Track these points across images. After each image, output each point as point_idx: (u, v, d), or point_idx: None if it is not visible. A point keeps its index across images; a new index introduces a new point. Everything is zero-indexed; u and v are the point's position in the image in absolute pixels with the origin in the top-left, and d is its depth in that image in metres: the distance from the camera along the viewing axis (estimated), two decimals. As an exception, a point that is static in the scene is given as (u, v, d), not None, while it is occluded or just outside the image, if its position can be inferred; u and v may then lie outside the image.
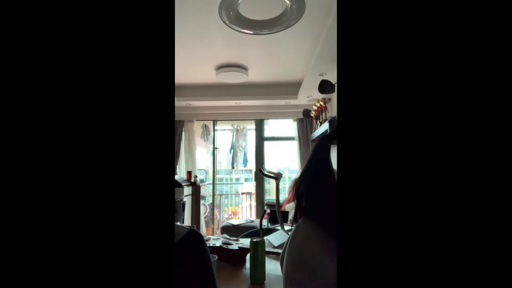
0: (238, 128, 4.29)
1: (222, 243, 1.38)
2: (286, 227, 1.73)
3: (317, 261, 0.51)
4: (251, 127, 4.30)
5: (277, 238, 1.55)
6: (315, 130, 3.35)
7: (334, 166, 0.57)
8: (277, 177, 1.81)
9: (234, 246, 1.35)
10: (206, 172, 5.00)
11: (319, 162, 0.58)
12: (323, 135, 0.60)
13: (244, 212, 5.12)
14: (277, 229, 1.74)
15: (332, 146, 0.58)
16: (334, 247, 0.49)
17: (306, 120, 3.76)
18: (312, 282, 0.50)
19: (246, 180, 6.61)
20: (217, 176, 5.28)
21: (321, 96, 3.05)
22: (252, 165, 4.43)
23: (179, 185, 3.26)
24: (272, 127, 4.48)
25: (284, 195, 4.45)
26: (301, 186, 0.58)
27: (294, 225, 0.59)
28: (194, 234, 0.63)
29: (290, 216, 1.93)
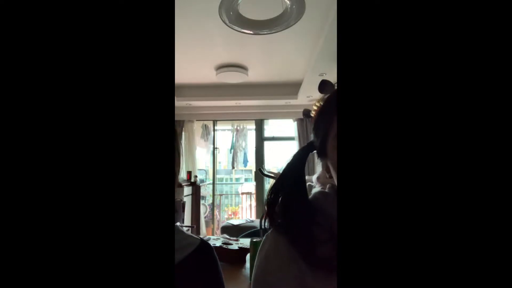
0: (238, 128, 4.29)
1: (222, 243, 1.38)
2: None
3: (276, 277, 0.49)
4: (251, 127, 4.30)
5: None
6: (315, 130, 3.35)
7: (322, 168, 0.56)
8: (277, 177, 1.81)
9: (234, 246, 1.35)
10: (206, 172, 5.00)
11: (293, 175, 0.56)
12: (302, 147, 0.59)
13: (244, 212, 5.12)
14: (277, 229, 1.74)
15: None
16: (296, 263, 0.48)
17: (306, 120, 3.76)
18: None
19: (246, 180, 6.61)
20: (217, 176, 5.28)
21: (321, 96, 3.05)
22: (252, 165, 4.43)
23: (179, 185, 3.26)
24: (272, 127, 4.48)
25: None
26: (272, 196, 0.56)
27: (264, 236, 0.57)
28: (205, 247, 0.60)
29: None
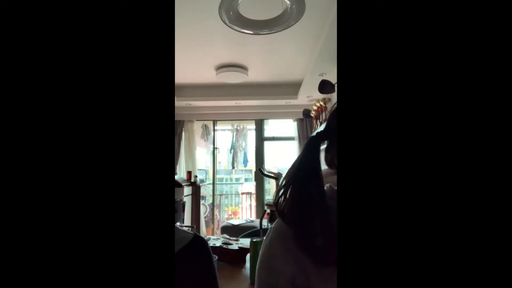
0: (238, 128, 4.29)
1: (222, 243, 1.38)
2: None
3: (280, 260, 0.52)
4: (251, 127, 4.30)
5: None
6: (315, 130, 3.35)
7: (324, 166, 0.57)
8: (277, 177, 1.81)
9: (234, 246, 1.35)
10: (206, 172, 5.00)
11: (308, 165, 0.55)
12: (311, 136, 0.58)
13: (244, 212, 5.12)
14: (277, 229, 1.74)
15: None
16: (297, 250, 0.50)
17: (306, 120, 3.76)
18: (273, 280, 0.52)
19: (246, 180, 6.60)
20: (217, 176, 5.28)
21: (321, 96, 3.05)
22: (252, 165, 4.43)
23: (179, 185, 3.25)
24: (272, 127, 4.48)
25: (284, 195, 4.42)
26: (283, 190, 0.56)
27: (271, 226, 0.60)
28: (198, 241, 0.62)
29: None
